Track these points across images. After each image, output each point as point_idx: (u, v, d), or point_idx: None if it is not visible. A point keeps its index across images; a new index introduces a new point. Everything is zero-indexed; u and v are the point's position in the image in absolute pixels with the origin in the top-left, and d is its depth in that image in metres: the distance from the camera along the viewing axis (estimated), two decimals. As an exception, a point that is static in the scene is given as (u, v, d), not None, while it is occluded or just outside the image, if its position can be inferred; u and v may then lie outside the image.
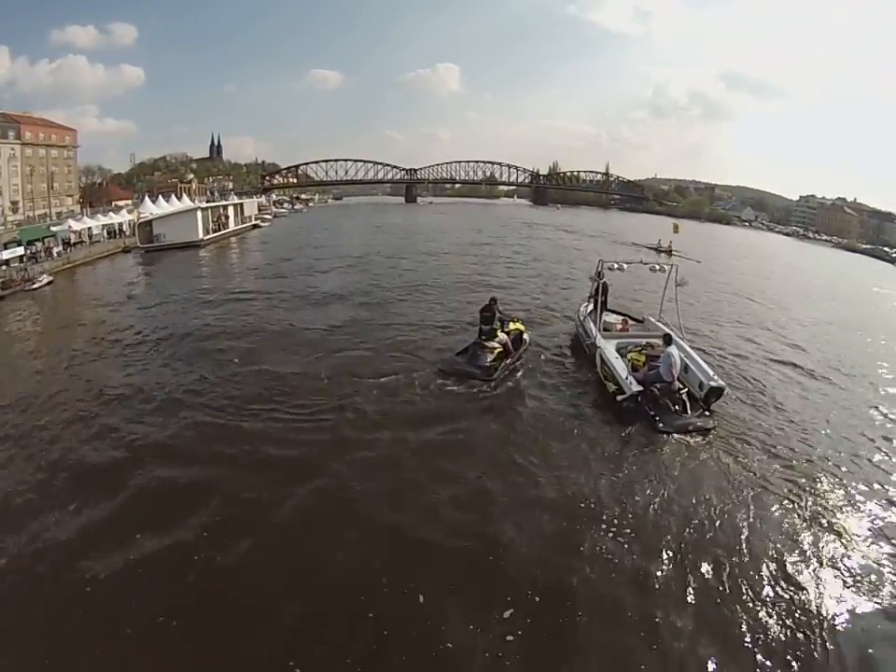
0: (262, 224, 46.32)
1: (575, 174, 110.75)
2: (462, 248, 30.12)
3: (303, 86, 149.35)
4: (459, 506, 6.12)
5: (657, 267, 11.35)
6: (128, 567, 5.09)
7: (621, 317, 11.98)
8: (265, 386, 9.45)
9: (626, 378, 8.54)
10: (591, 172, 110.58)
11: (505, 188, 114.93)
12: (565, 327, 13.89)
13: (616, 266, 11.18)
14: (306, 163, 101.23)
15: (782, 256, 48.96)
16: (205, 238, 32.09)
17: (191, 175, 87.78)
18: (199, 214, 32.42)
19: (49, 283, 21.60)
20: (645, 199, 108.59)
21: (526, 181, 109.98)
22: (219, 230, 35.75)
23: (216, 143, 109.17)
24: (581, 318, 12.03)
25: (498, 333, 10.09)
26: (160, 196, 44.60)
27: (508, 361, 9.89)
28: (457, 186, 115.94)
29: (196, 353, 11.48)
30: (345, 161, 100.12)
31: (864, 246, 71.91)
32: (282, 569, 5.16)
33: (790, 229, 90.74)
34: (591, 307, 11.92)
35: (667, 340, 9.08)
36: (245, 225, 42.27)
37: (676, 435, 7.80)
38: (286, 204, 74.47)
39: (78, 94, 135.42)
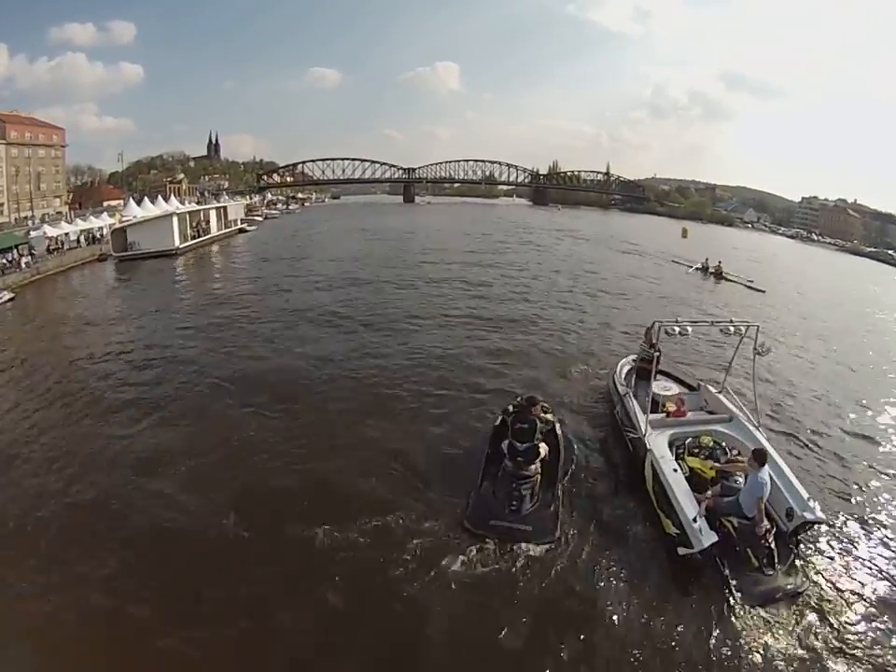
0: (249, 228, 45.04)
1: (575, 173, 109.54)
2: (462, 268, 26.04)
3: (302, 84, 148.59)
4: None
5: (731, 330, 8.49)
6: None
7: (672, 386, 9.44)
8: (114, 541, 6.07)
9: (695, 523, 5.82)
10: (591, 172, 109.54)
11: (504, 187, 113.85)
12: (594, 387, 10.96)
13: (678, 330, 8.24)
14: (304, 162, 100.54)
15: (795, 261, 46.41)
16: (182, 246, 30.66)
17: (181, 175, 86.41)
18: (174, 220, 30.81)
19: (10, 300, 20.25)
20: (646, 199, 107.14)
21: (526, 181, 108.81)
22: (199, 236, 34.32)
23: (214, 141, 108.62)
24: (621, 392, 9.12)
25: (539, 448, 6.99)
26: (145, 197, 43.70)
27: (559, 493, 6.95)
28: (456, 185, 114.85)
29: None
30: (343, 159, 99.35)
31: (868, 249, 70.26)
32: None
33: (793, 231, 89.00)
34: (627, 367, 9.93)
35: (760, 458, 6.07)
36: (229, 229, 41.01)
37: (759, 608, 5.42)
38: (279, 205, 73.22)
39: (77, 92, 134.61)
